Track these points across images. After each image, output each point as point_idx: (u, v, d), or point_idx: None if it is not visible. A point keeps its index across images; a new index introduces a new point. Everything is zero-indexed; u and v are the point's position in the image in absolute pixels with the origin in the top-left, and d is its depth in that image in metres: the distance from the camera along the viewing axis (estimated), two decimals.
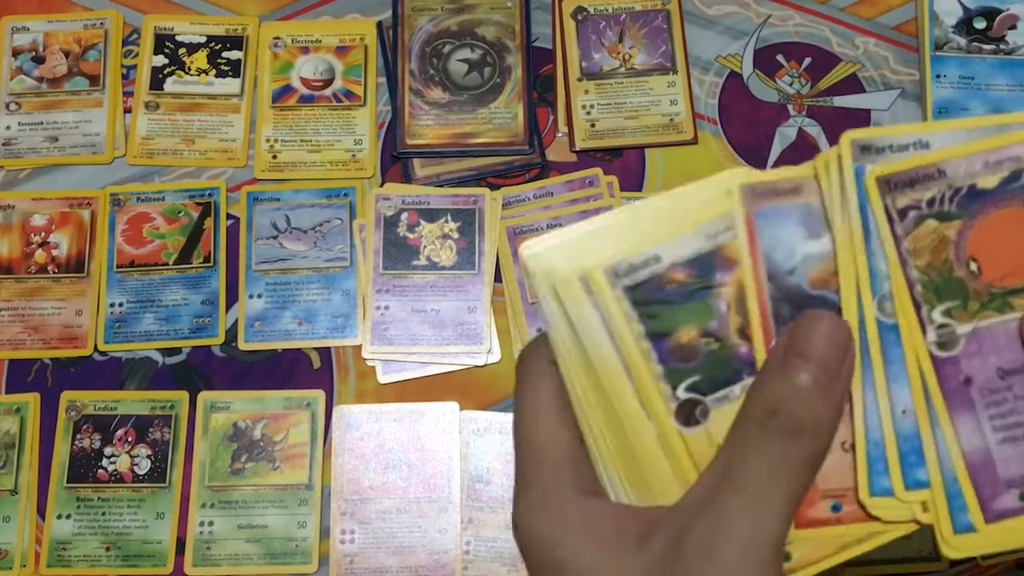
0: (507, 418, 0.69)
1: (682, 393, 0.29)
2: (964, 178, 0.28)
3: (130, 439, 0.70)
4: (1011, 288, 0.28)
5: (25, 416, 0.70)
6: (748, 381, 0.29)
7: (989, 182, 0.28)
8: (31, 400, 0.71)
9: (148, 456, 0.70)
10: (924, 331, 0.28)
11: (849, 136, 0.28)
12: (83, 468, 0.69)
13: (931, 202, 0.28)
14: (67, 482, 0.69)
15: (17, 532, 0.68)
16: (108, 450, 0.70)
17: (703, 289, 0.29)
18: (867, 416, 0.28)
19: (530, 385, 0.32)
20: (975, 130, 0.28)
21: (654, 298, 0.29)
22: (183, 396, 0.71)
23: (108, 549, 0.68)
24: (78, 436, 0.70)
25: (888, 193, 0.28)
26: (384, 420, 0.70)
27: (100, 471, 0.69)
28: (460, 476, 0.68)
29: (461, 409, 0.70)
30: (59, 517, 0.68)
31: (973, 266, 0.28)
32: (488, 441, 0.69)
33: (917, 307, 0.28)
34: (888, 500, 0.28)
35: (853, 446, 0.29)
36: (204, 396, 0.71)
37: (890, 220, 0.28)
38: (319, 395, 0.71)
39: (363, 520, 0.68)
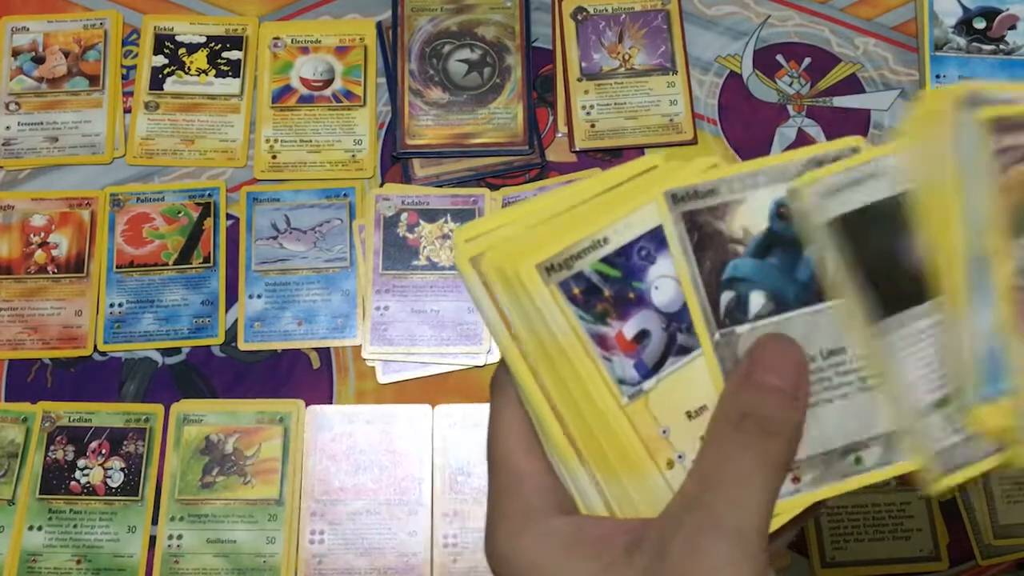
0: (481, 410, 0.69)
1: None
2: None
3: (104, 451, 0.69)
4: None
5: (31, 426, 0.70)
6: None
7: None
8: (38, 411, 0.70)
9: (121, 469, 0.69)
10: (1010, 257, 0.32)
11: (960, 91, 0.32)
12: (55, 480, 0.69)
13: None
14: (39, 494, 0.68)
15: (11, 543, 0.68)
16: (81, 462, 0.69)
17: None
18: (973, 328, 0.31)
19: (500, 412, 0.34)
20: None
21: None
22: (158, 409, 0.70)
23: (79, 562, 0.67)
24: (51, 448, 0.69)
25: (994, 133, 0.32)
26: (357, 422, 0.70)
27: (73, 483, 0.69)
28: (434, 475, 0.68)
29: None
30: (30, 529, 0.68)
31: None
32: (464, 434, 0.69)
33: (1006, 236, 0.31)
34: (989, 407, 0.31)
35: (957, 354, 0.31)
36: (176, 408, 0.70)
37: (993, 158, 0.32)
38: (293, 408, 0.70)
39: (333, 521, 0.68)
